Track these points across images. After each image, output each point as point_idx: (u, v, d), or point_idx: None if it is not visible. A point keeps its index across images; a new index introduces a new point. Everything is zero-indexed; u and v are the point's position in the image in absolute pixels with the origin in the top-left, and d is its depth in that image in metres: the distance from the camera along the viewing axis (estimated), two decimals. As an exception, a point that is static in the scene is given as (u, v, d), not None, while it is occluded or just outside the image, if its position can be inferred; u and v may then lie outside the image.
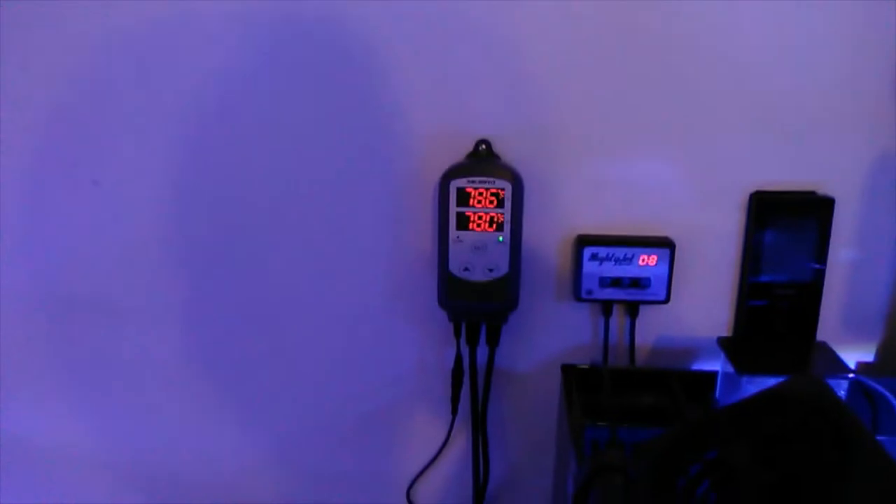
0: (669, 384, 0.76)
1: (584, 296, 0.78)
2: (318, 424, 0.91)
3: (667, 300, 0.77)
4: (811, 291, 0.77)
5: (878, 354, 0.81)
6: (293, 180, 0.80)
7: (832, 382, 0.55)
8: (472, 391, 0.84)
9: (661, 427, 0.71)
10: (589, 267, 0.77)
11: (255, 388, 0.90)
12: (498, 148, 0.76)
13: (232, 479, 0.95)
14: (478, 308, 0.77)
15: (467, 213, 0.73)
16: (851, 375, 0.69)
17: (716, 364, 0.78)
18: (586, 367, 0.80)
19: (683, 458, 0.49)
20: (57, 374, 0.90)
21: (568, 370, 0.81)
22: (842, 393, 0.68)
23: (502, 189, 0.72)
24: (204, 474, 0.95)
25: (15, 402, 0.92)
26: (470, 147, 0.76)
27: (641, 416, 0.75)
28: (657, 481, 0.50)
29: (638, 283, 0.77)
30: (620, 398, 0.75)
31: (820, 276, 0.76)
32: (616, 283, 0.77)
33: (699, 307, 0.80)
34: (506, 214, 0.73)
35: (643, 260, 0.76)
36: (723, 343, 0.77)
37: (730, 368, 0.72)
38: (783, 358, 0.76)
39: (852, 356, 0.80)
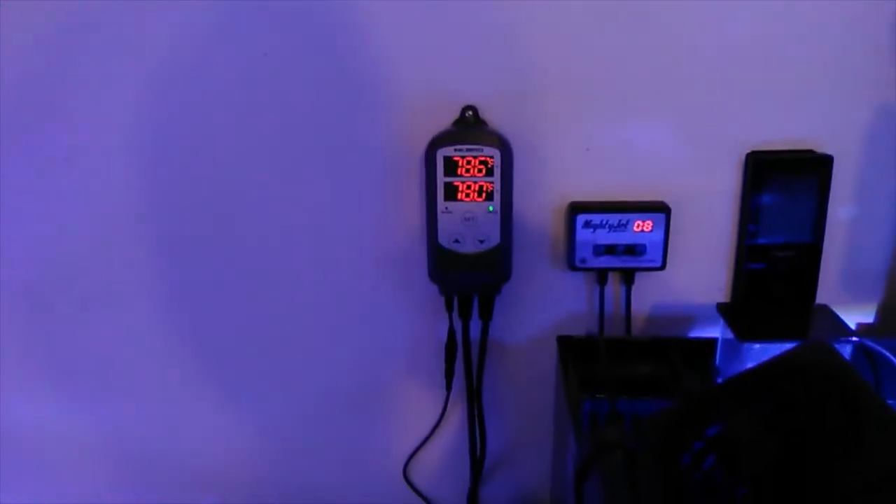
0: (667, 353, 0.75)
1: (578, 264, 0.76)
2: (312, 403, 0.90)
3: (663, 266, 0.76)
4: (810, 253, 0.75)
5: (879, 315, 0.79)
6: (274, 154, 0.77)
7: (836, 346, 0.54)
8: (467, 365, 0.82)
9: (660, 397, 0.70)
10: (582, 235, 0.75)
11: (246, 369, 0.88)
12: (485, 114, 0.73)
13: (225, 460, 0.94)
14: (469, 280, 0.75)
15: (455, 183, 0.71)
16: (854, 338, 0.67)
17: (714, 330, 0.77)
18: (582, 337, 0.79)
19: (687, 435, 0.47)
20: (35, 364, 0.88)
21: (563, 341, 0.79)
22: (846, 356, 0.66)
23: (491, 157, 0.70)
24: (196, 455, 0.94)
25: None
26: (456, 114, 0.73)
27: (639, 387, 0.73)
28: (660, 459, 0.48)
29: (633, 249, 0.75)
30: (617, 368, 0.74)
31: (819, 236, 0.74)
32: (610, 250, 0.75)
33: (696, 273, 0.78)
34: (495, 183, 0.71)
35: (638, 226, 0.74)
36: (722, 309, 0.75)
37: (730, 335, 0.71)
38: (784, 322, 0.74)
39: (853, 317, 0.78)
